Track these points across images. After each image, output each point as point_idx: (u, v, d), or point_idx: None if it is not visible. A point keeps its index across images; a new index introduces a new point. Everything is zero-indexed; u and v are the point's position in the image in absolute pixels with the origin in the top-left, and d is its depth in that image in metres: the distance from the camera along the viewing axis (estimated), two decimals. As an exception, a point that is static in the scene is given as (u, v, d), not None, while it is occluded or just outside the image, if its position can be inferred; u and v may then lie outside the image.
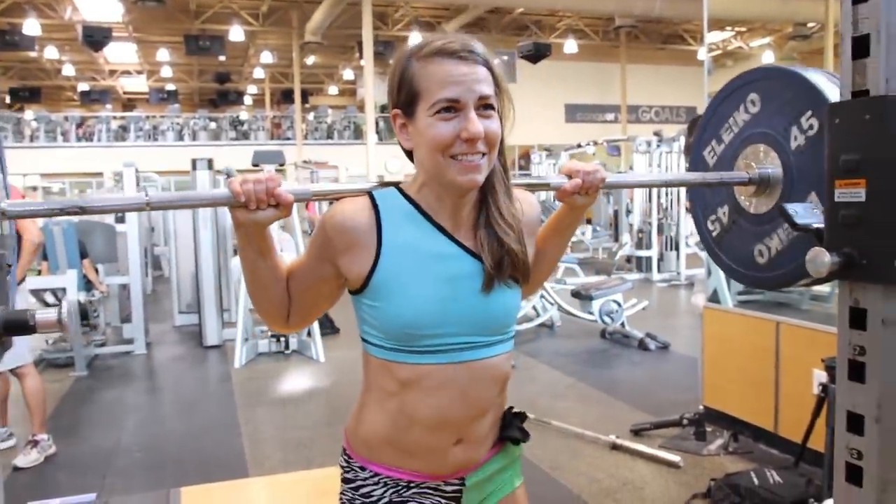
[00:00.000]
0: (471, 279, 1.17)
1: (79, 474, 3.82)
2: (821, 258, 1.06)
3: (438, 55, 1.12)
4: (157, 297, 10.15)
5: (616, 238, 13.03)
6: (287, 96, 24.70)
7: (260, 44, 21.76)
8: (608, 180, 1.29)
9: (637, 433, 4.00)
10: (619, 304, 6.52)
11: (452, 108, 1.10)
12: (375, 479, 1.24)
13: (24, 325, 0.88)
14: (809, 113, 1.40)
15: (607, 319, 6.48)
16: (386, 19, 19.11)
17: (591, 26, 21.10)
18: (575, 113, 23.26)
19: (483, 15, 18.67)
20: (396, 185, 1.23)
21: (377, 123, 24.45)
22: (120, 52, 22.64)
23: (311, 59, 23.13)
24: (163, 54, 22.07)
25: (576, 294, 6.65)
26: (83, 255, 6.42)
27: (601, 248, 14.14)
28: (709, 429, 3.87)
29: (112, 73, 25.96)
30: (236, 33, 18.11)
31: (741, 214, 1.58)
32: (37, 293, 6.21)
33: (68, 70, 24.14)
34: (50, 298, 6.27)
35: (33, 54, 20.75)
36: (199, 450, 4.14)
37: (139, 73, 25.78)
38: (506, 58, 23.63)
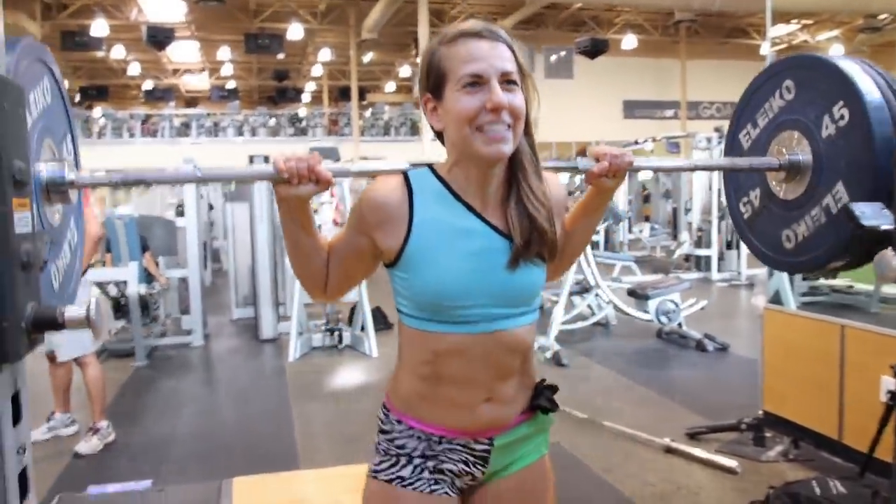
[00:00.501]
0: (497, 255, 1.24)
1: (136, 461, 3.91)
2: (889, 261, 1.01)
3: (462, 37, 1.20)
4: (216, 290, 10.34)
5: (675, 236, 12.77)
6: (344, 93, 24.90)
7: (318, 41, 21.99)
8: (635, 164, 1.35)
9: (693, 437, 3.90)
10: (676, 304, 6.38)
11: (477, 82, 1.17)
12: (410, 432, 1.32)
13: (52, 322, 0.89)
14: (841, 103, 1.42)
15: (664, 319, 6.34)
16: (442, 16, 19.09)
17: (649, 21, 20.71)
18: (633, 109, 22.87)
19: (540, 11, 18.48)
20: (430, 165, 1.30)
21: (433, 120, 24.62)
22: (183, 51, 23.19)
23: (368, 57, 23.26)
24: (224, 53, 22.48)
25: (632, 293, 6.52)
26: (144, 248, 6.58)
27: (659, 247, 13.87)
28: (768, 434, 3.74)
29: (175, 71, 26.59)
30: (295, 31, 18.31)
31: (771, 199, 1.62)
32: (100, 285, 6.40)
33: (134, 69, 24.78)
34: (113, 290, 6.45)
35: (101, 54, 21.37)
36: (252, 441, 4.19)
37: (201, 71, 26.34)
38: (563, 53, 23.52)
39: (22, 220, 0.88)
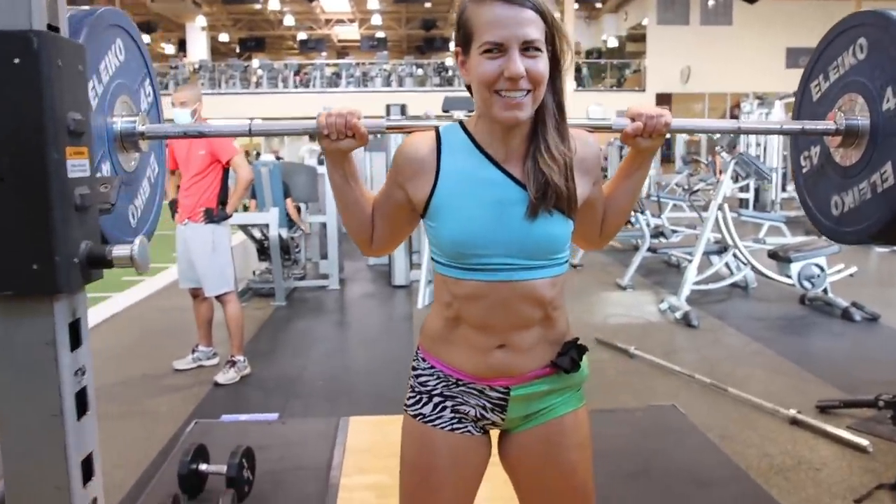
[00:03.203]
0: (516, 206, 1.27)
1: (268, 394, 4.18)
2: None
3: None
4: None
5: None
6: (491, 42, 24.73)
7: (465, -11, 21.87)
8: (673, 125, 1.34)
9: (823, 410, 3.67)
10: (821, 269, 5.95)
11: (497, 48, 1.19)
12: (431, 371, 1.40)
13: (102, 259, 0.97)
14: None
15: (807, 284, 5.95)
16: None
17: (821, -40, 19.04)
18: (798, 57, 21.22)
19: (697, -48, 17.44)
20: (461, 121, 1.35)
21: (579, 69, 24.02)
22: (334, 2, 23.81)
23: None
24: (373, 2, 22.89)
25: (773, 255, 6.14)
26: (286, 194, 6.90)
27: (815, 207, 12.92)
28: (910, 413, 3.46)
29: (327, 22, 27.40)
30: (442, -21, 18.32)
31: (828, 160, 1.51)
32: (244, 228, 6.81)
33: (289, 20, 25.78)
34: (257, 234, 6.85)
35: (258, 6, 22.35)
36: (375, 383, 4.36)
37: (351, 21, 26.99)
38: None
39: (77, 167, 0.98)
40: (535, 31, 1.20)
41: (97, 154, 1.18)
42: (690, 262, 6.12)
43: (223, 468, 2.60)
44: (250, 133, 1.35)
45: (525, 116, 1.23)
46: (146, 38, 26.54)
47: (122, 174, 1.24)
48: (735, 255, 6.37)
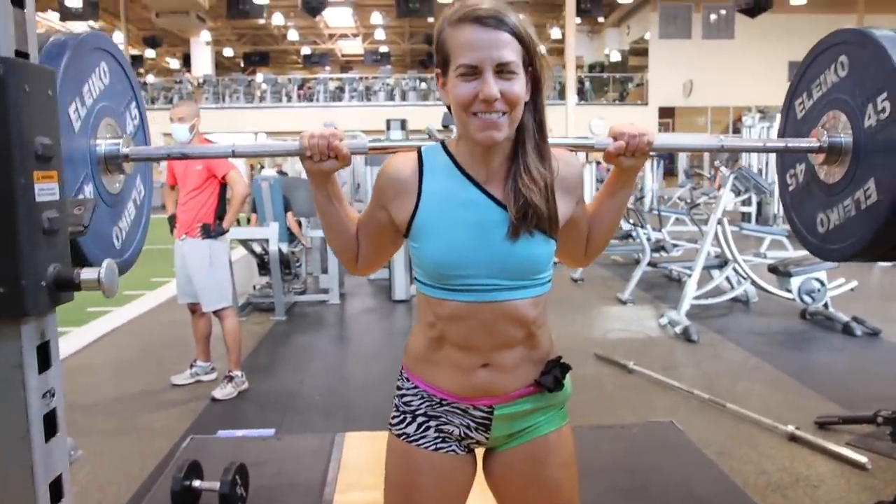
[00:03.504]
0: (498, 227, 1.27)
1: (265, 410, 4.17)
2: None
3: (463, 21, 1.22)
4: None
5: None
6: (493, 57, 24.81)
7: (467, 5, 21.97)
8: (656, 143, 1.34)
9: (822, 426, 3.65)
10: (822, 283, 5.93)
11: (471, 71, 1.20)
12: (415, 391, 1.40)
13: (70, 283, 0.98)
14: (885, 95, 1.29)
15: (807, 299, 5.92)
16: (594, -25, 18.52)
17: (822, -26, 19.11)
18: (800, 71, 21.31)
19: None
20: (443, 142, 1.36)
21: (581, 83, 24.08)
22: (337, 17, 23.95)
23: (517, 19, 23.03)
24: (376, 17, 23.03)
25: (773, 270, 6.12)
26: (287, 208, 6.92)
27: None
28: (909, 430, 3.44)
29: (331, 36, 27.57)
30: (444, -5, 18.42)
31: (813, 178, 1.52)
32: (244, 242, 6.82)
33: (293, 35, 25.93)
34: (257, 248, 6.87)
35: (262, 21, 22.49)
36: (373, 399, 4.34)
37: (355, 36, 27.17)
38: (723, 11, 22.22)
39: (45, 191, 0.99)
40: (511, 54, 1.20)
41: (79, 176, 1.19)
42: (690, 276, 6.11)
43: (216, 485, 2.59)
44: (234, 155, 1.37)
45: (501, 137, 1.23)
46: (151, 53, 26.76)
47: (106, 196, 1.26)
48: (735, 270, 6.35)
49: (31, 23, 0.96)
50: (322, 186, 1.34)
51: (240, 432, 3.67)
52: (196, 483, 2.66)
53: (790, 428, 3.55)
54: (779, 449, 3.44)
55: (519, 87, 1.22)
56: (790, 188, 1.61)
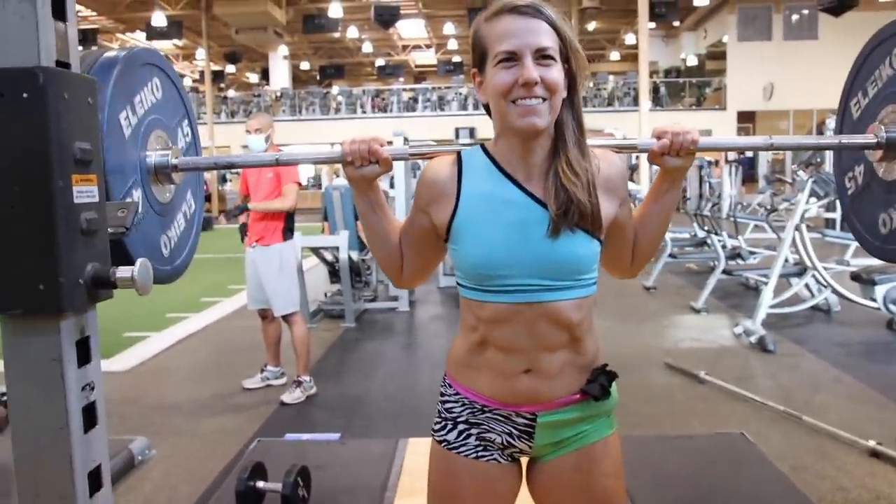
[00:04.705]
0: (538, 225, 1.25)
1: (332, 414, 4.24)
2: None
3: (500, 13, 1.24)
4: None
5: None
6: (566, 64, 24.65)
7: (539, 12, 21.92)
8: (701, 143, 1.31)
9: (906, 441, 3.47)
10: (910, 292, 5.64)
11: (511, 58, 1.21)
12: (457, 397, 1.39)
13: (106, 281, 1.02)
14: None
15: (893, 308, 5.64)
16: (669, -21, 18.18)
17: (914, -31, 18.23)
18: (890, 71, 20.39)
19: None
20: (482, 143, 1.35)
21: (657, 89, 23.63)
22: (411, 28, 24.25)
23: (591, 25, 22.84)
24: (448, 28, 23.20)
25: (855, 277, 5.86)
26: (357, 217, 7.01)
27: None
28: None
29: (405, 48, 27.90)
30: (516, 3, 18.41)
31: (873, 177, 1.44)
32: (316, 250, 6.96)
33: (367, 48, 26.38)
34: (328, 256, 6.99)
35: (337, 35, 22.97)
36: (438, 405, 4.35)
37: (428, 47, 27.41)
38: (806, 11, 21.46)
39: (84, 193, 1.05)
40: (548, 40, 1.21)
41: (128, 181, 1.25)
42: (767, 284, 5.91)
43: (279, 486, 2.65)
44: (277, 163, 1.41)
45: (543, 124, 1.22)
46: (231, 68, 27.65)
47: (155, 204, 1.33)
48: (814, 277, 6.11)
49: (73, 35, 1.02)
50: (364, 193, 1.34)
51: (306, 436, 3.74)
52: (260, 484, 2.72)
53: (871, 443, 3.38)
54: (858, 465, 3.28)
55: (557, 72, 1.22)
56: (849, 191, 1.54)
